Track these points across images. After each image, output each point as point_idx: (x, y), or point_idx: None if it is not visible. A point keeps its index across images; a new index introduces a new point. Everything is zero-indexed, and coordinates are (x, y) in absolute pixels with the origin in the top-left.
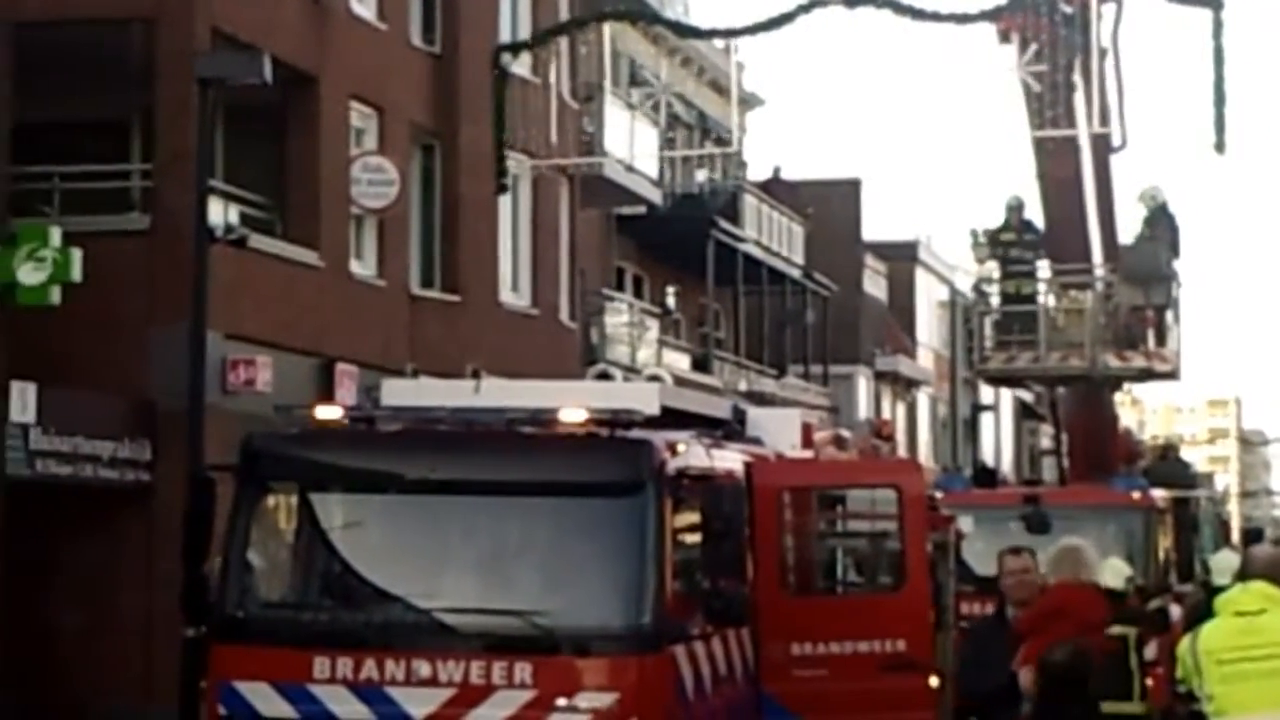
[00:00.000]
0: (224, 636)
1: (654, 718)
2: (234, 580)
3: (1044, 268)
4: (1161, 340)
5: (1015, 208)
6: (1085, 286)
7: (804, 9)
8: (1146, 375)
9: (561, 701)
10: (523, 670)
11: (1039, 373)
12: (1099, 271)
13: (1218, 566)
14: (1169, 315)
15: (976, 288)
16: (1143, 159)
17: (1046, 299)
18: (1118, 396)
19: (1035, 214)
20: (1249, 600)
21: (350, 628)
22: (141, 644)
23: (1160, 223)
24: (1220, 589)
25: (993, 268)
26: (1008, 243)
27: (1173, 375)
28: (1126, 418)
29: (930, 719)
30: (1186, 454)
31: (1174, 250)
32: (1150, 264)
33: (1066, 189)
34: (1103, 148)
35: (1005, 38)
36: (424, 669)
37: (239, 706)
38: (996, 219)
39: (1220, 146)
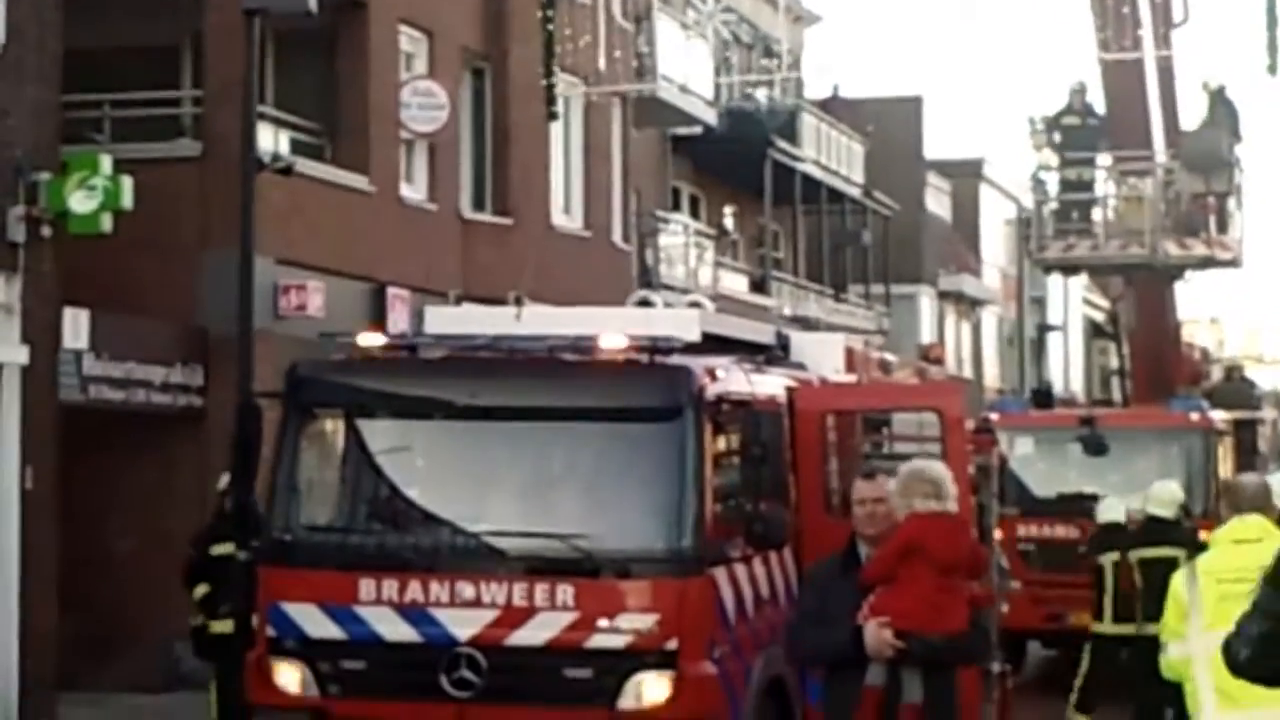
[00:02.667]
0: (272, 560)
1: (694, 638)
2: (281, 505)
3: (1104, 157)
4: (1223, 227)
5: (1078, 91)
6: (1145, 173)
7: None
8: (1208, 263)
9: (603, 623)
10: (564, 592)
11: (1098, 261)
12: (1160, 158)
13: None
14: (1231, 202)
15: (1034, 176)
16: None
17: (1106, 186)
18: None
19: (1097, 100)
20: (1247, 530)
21: (395, 551)
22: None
23: (1221, 109)
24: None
25: (1050, 156)
26: (1069, 127)
27: (1234, 263)
28: (1205, 337)
29: None
30: (1267, 372)
31: (1235, 136)
32: (1211, 150)
33: (1128, 70)
34: (1163, 22)
35: None
36: (468, 591)
37: (287, 628)
38: (1057, 107)
39: (1273, 69)
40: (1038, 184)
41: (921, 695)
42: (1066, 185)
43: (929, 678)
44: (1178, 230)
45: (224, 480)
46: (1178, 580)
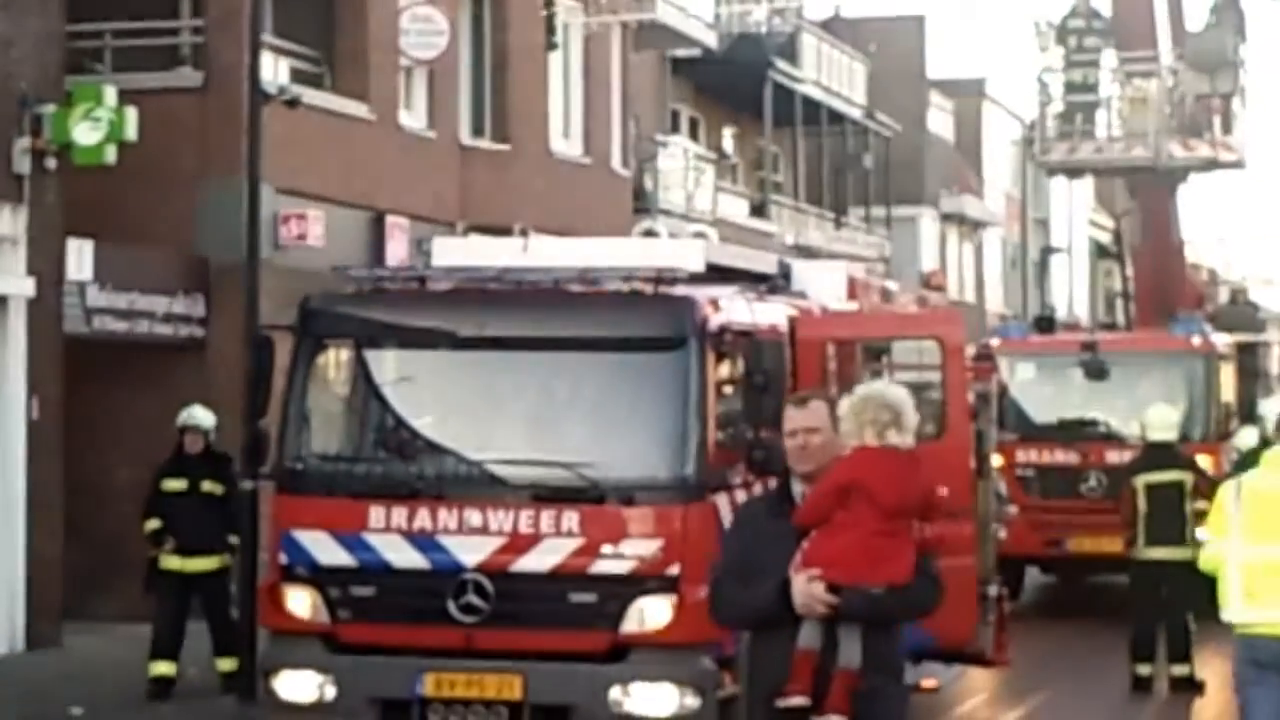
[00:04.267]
0: (284, 488)
1: (697, 564)
2: (293, 434)
3: (1109, 56)
4: (1228, 128)
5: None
6: (1150, 74)
7: None
8: (1212, 165)
9: (607, 549)
10: (570, 519)
11: (1102, 163)
12: (1165, 59)
13: (1275, 415)
14: (1236, 103)
15: (1039, 78)
16: None
17: (1111, 88)
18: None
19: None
20: None
21: (403, 479)
22: None
23: (1227, 8)
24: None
25: (1056, 56)
26: (1074, 30)
27: (1239, 164)
28: (1212, 257)
29: (970, 565)
30: (1274, 293)
31: (1241, 36)
32: (1216, 50)
33: None
34: None
35: None
36: (475, 518)
37: (299, 555)
38: (1062, 11)
39: None
40: (1042, 86)
41: (860, 658)
42: (1071, 88)
43: (870, 637)
44: (1182, 131)
45: (183, 415)
46: (1225, 491)
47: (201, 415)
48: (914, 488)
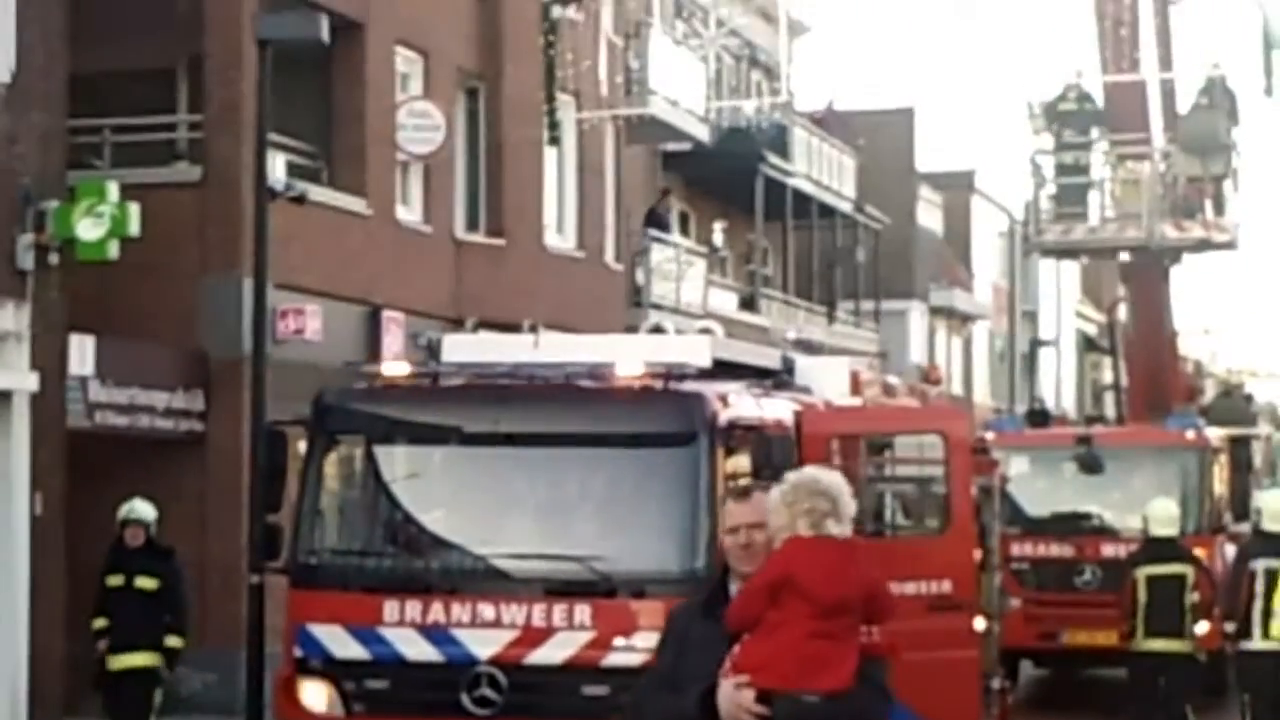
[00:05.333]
0: (299, 582)
1: None
2: (307, 529)
3: (1101, 139)
4: (1220, 210)
5: (1075, 81)
6: (1143, 157)
7: None
8: (1205, 246)
9: (619, 642)
10: (582, 612)
11: (1096, 244)
12: (1157, 141)
13: (1268, 508)
14: (1228, 185)
15: (1032, 160)
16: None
17: (1104, 170)
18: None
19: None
20: None
21: (418, 573)
22: (196, 591)
23: (1218, 91)
24: (1268, 533)
25: (1048, 140)
26: (1065, 112)
27: (1231, 245)
28: (1198, 349)
29: (974, 658)
30: (1262, 386)
31: (1233, 119)
32: (1208, 132)
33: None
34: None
35: None
36: (488, 612)
37: (314, 648)
38: (1054, 93)
39: (1269, 90)
40: (1035, 168)
41: None
42: (1063, 169)
43: None
44: (1175, 213)
45: (124, 509)
46: None
47: (142, 508)
48: (855, 582)
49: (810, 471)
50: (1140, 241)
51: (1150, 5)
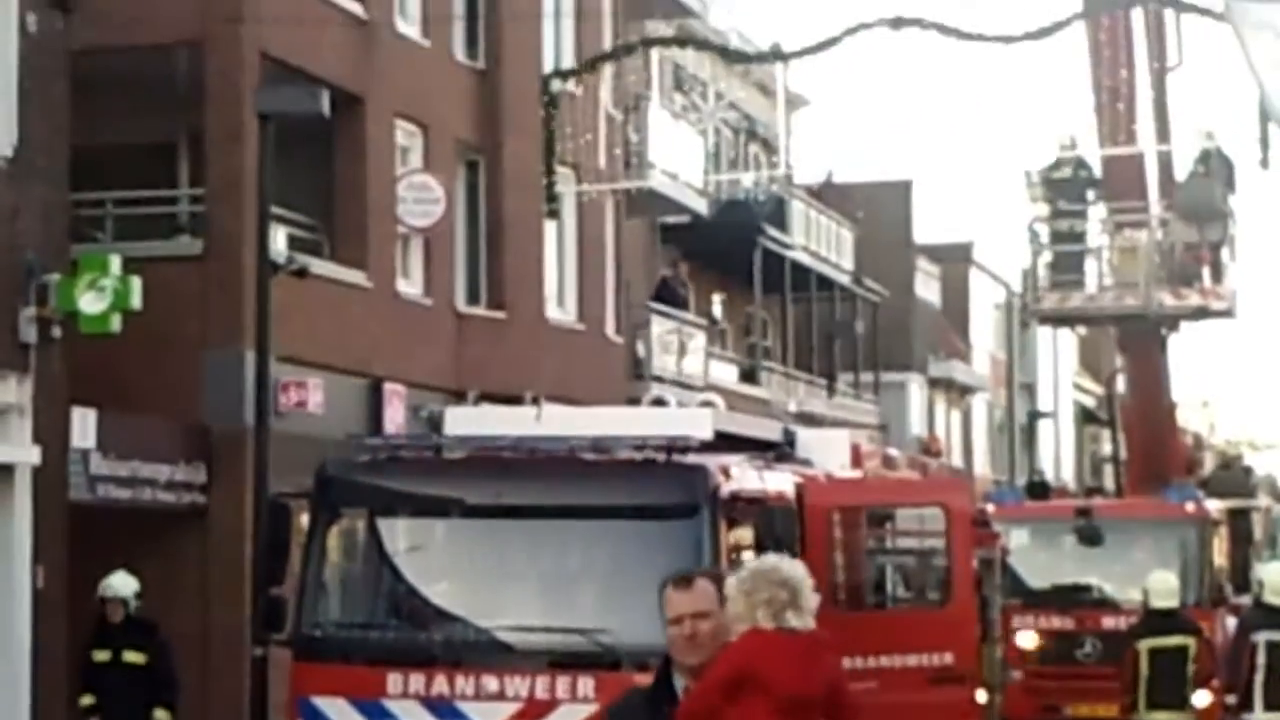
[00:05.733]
0: (302, 655)
1: None
2: (310, 601)
3: (1098, 206)
4: (1218, 278)
5: (1068, 146)
6: (1140, 225)
7: (850, 31)
8: (1203, 313)
9: None
10: (586, 685)
11: (1094, 311)
12: (1154, 209)
13: (1270, 581)
14: (1225, 253)
15: (1029, 228)
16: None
17: (1101, 238)
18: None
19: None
20: None
21: (421, 646)
22: (198, 664)
23: (1214, 158)
24: (1270, 606)
25: (1045, 208)
26: (1061, 181)
27: (1228, 313)
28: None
29: None
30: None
31: (1229, 186)
32: (1205, 199)
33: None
34: (1158, 65)
35: None
36: (492, 684)
37: None
38: (1049, 160)
39: (1265, 163)
40: (1033, 236)
41: None
42: (1059, 237)
43: None
44: (1172, 281)
45: (101, 585)
46: None
47: (119, 584)
48: (819, 679)
49: (771, 559)
50: (1138, 309)
51: (1147, 78)
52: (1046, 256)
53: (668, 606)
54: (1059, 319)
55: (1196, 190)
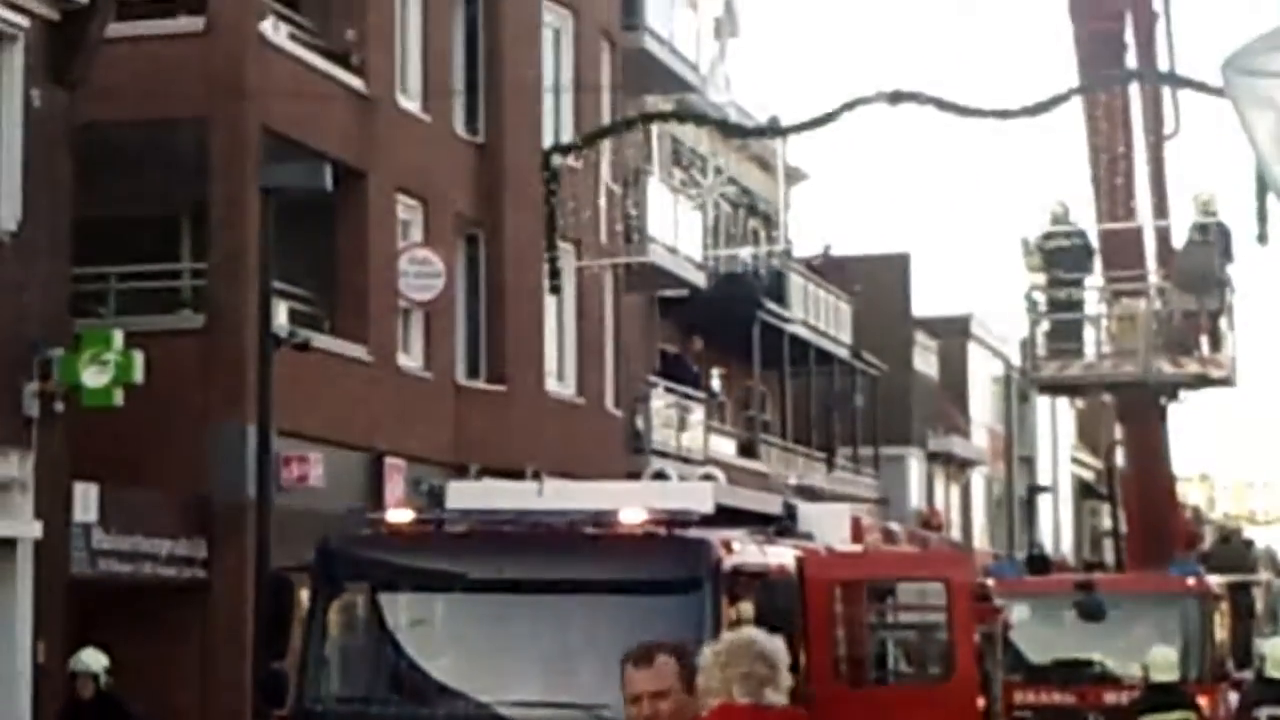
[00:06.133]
0: None
1: None
2: (312, 676)
3: (1096, 275)
4: (1216, 346)
5: (1061, 212)
6: (1138, 293)
7: (848, 106)
8: (1201, 381)
9: None
10: None
11: (1093, 379)
12: (1152, 278)
13: (1272, 655)
14: (1223, 321)
15: (1028, 296)
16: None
17: (1099, 306)
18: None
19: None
20: None
21: None
22: None
23: (1212, 227)
24: (1272, 681)
25: (1042, 275)
26: (1059, 250)
27: (1228, 381)
28: (1195, 495)
29: None
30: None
31: (1227, 255)
32: (1203, 268)
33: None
34: (1154, 133)
35: None
36: None
37: None
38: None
39: (1263, 238)
40: (1031, 304)
41: None
42: (1057, 305)
43: None
44: (1171, 349)
45: (71, 660)
46: None
47: (89, 659)
48: None
49: (749, 632)
50: (1137, 377)
51: (1144, 153)
52: (1045, 325)
53: (626, 685)
54: (1058, 387)
55: (1194, 259)
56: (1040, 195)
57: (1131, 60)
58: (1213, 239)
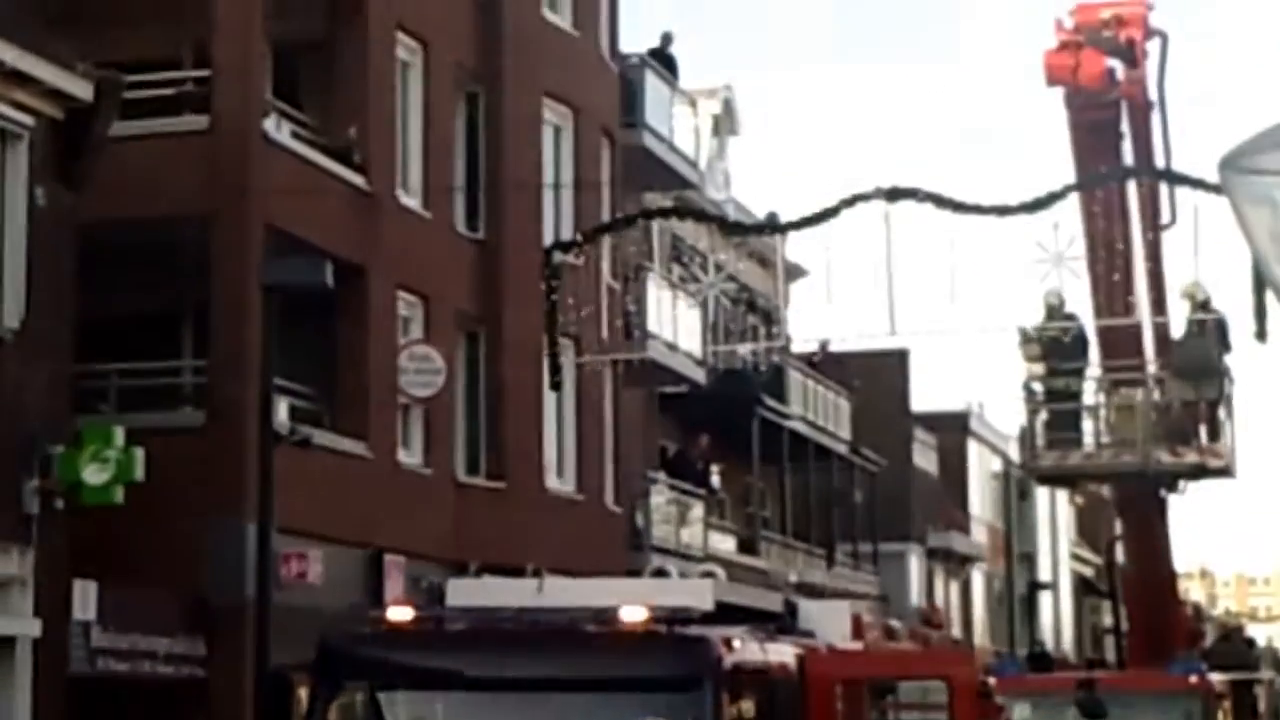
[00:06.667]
0: None
1: None
2: None
3: (1093, 367)
4: (1215, 435)
5: (1056, 301)
6: (1137, 383)
7: (847, 203)
8: (1200, 471)
9: None
10: None
11: (1092, 470)
12: (1151, 368)
13: None
14: (1222, 411)
15: (1026, 386)
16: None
17: (1098, 396)
18: (1185, 570)
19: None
20: None
21: None
22: None
23: (1209, 320)
24: None
25: (1040, 366)
26: (1056, 340)
27: (1227, 472)
28: (1196, 591)
29: None
30: (1261, 630)
31: (1225, 345)
32: (1200, 358)
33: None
34: (1151, 226)
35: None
36: None
37: None
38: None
39: (1261, 335)
40: (1029, 394)
41: None
42: (1055, 395)
43: None
44: (1170, 438)
45: None
46: None
47: None
48: None
49: None
50: (1136, 466)
51: (1142, 250)
52: (1043, 415)
53: None
54: (1057, 478)
55: (1192, 349)
56: (1038, 284)
57: (1128, 148)
58: (1210, 329)
